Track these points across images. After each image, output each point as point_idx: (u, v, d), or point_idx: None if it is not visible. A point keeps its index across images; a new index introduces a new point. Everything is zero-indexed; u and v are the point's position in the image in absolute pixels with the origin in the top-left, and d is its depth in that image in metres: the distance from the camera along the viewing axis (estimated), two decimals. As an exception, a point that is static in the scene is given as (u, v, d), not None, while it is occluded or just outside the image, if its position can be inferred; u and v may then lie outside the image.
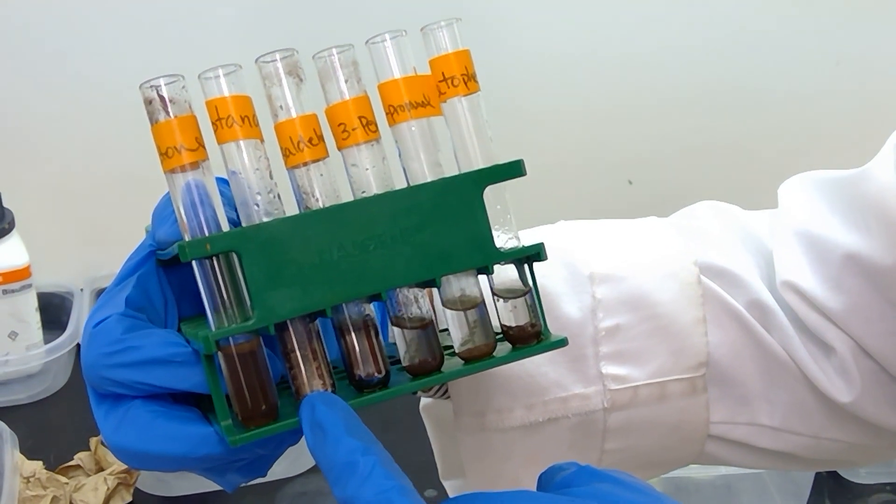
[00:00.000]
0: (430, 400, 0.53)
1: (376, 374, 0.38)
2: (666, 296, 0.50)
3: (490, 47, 1.12)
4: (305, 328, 0.37)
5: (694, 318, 0.50)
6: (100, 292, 1.28)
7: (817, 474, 0.95)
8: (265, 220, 0.37)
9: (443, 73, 0.39)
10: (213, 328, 0.36)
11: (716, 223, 0.54)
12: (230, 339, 0.36)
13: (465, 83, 0.39)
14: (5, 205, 1.15)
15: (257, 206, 0.37)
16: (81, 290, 1.25)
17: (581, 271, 0.50)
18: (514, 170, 0.39)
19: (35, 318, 1.15)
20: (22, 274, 1.13)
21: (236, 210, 0.38)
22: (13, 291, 1.13)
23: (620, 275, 0.50)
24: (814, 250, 0.50)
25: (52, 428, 1.09)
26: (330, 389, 0.37)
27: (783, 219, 0.52)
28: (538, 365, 0.48)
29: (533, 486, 0.36)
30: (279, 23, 1.26)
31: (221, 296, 0.37)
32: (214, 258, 0.36)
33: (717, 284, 0.51)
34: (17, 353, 1.13)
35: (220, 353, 0.36)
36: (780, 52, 1.28)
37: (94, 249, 1.32)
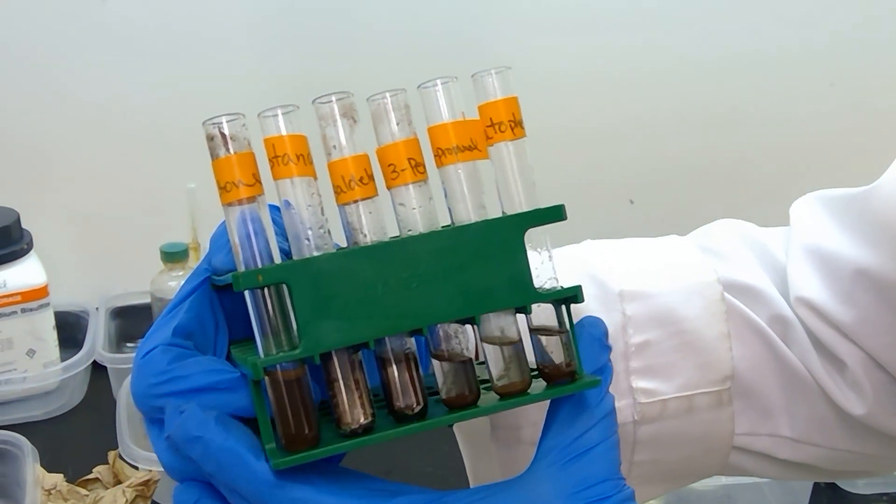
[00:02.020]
0: None
1: (415, 406, 0.39)
2: (692, 312, 0.52)
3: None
4: (349, 359, 0.38)
5: (719, 333, 0.52)
6: (115, 311, 1.30)
7: (815, 485, 0.96)
8: (315, 253, 0.38)
9: (491, 119, 0.40)
10: (261, 354, 0.38)
11: (734, 241, 0.56)
12: (277, 365, 0.38)
13: (512, 129, 0.40)
14: (24, 226, 1.17)
15: (308, 240, 0.38)
16: (97, 308, 1.27)
17: (611, 288, 0.52)
18: (555, 214, 0.40)
19: (52, 336, 1.17)
20: (40, 293, 1.15)
21: (287, 239, 0.39)
22: (31, 310, 1.15)
23: (649, 292, 0.52)
24: (825, 266, 0.52)
25: (70, 443, 1.10)
26: (370, 419, 0.38)
27: (795, 236, 0.54)
28: None
29: None
30: (293, 48, 1.27)
31: (270, 324, 0.38)
32: (265, 288, 0.38)
33: (740, 301, 0.53)
34: (35, 371, 1.15)
35: (266, 379, 0.38)
36: (776, 74, 1.29)
37: (109, 270, 1.34)
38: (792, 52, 1.28)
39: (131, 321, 1.31)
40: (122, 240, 1.33)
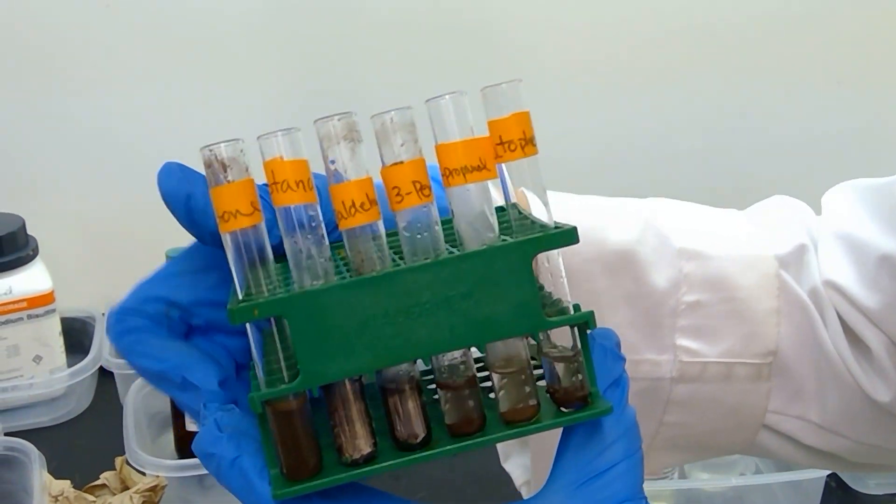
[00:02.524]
0: None
1: (418, 436, 0.38)
2: (745, 282, 0.52)
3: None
4: (350, 389, 0.38)
5: (769, 308, 0.53)
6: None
7: (826, 485, 0.96)
8: (315, 283, 0.37)
9: (500, 137, 0.39)
10: (262, 385, 0.38)
11: (789, 219, 0.57)
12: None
13: (522, 147, 0.38)
14: (29, 232, 1.18)
15: (309, 268, 0.37)
16: (103, 314, 1.27)
17: (672, 244, 0.52)
18: (566, 238, 0.38)
19: (58, 343, 1.18)
20: (46, 299, 1.15)
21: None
22: (37, 316, 1.15)
23: (708, 254, 0.52)
24: (853, 252, 0.53)
25: (77, 450, 1.11)
26: (371, 449, 0.38)
27: (826, 222, 0.55)
28: (618, 325, 0.49)
29: None
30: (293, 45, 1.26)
31: (270, 353, 0.38)
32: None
33: (793, 279, 0.53)
34: (42, 377, 1.16)
35: (268, 409, 0.37)
36: (782, 73, 1.29)
37: (114, 275, 1.33)
38: (797, 50, 1.28)
39: (137, 327, 1.31)
40: (128, 245, 1.34)
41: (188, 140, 1.47)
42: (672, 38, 1.26)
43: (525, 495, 0.60)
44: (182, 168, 0.41)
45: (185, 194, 0.41)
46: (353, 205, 0.37)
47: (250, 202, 0.37)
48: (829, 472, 0.94)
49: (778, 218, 0.57)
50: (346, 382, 0.38)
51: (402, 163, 0.37)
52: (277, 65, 1.28)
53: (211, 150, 0.37)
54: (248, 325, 0.38)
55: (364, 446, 0.38)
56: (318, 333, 0.36)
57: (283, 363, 0.38)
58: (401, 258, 0.39)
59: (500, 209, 0.42)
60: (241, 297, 0.37)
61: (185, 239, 1.28)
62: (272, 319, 0.37)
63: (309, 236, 0.37)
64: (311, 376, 0.36)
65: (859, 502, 1.01)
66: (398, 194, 0.37)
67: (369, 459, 0.38)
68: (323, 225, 0.38)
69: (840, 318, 0.53)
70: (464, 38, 1.21)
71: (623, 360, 0.42)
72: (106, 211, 1.33)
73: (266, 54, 1.27)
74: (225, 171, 0.36)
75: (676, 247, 0.52)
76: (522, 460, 0.58)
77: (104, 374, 1.20)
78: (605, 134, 1.28)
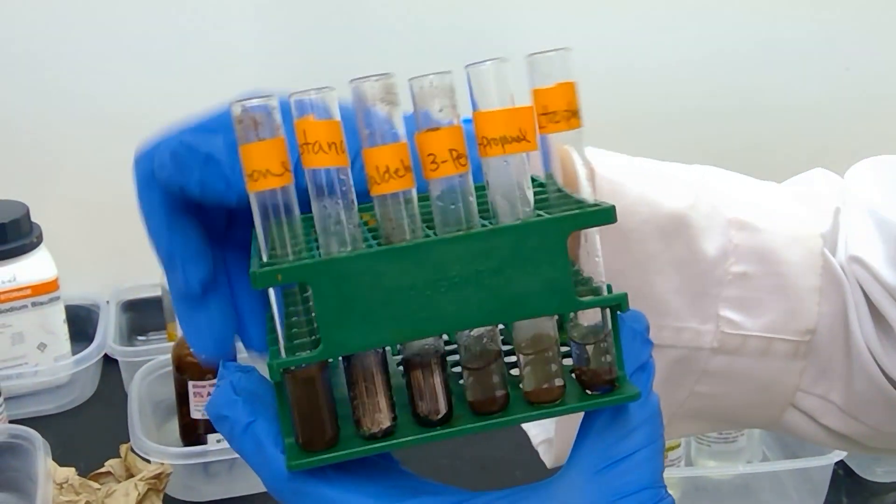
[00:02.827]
0: None
1: (439, 412, 0.37)
2: (791, 257, 0.52)
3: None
4: (371, 361, 0.37)
5: (812, 285, 0.52)
6: (125, 304, 1.30)
7: (834, 473, 0.96)
8: (342, 251, 0.36)
9: (545, 107, 0.37)
10: (282, 352, 0.36)
11: (829, 195, 0.56)
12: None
13: (567, 119, 0.37)
14: (33, 219, 1.17)
15: (337, 234, 0.36)
16: (107, 302, 1.27)
17: (722, 213, 0.52)
18: (603, 216, 0.37)
19: (63, 330, 1.17)
20: (50, 287, 1.15)
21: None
22: (42, 304, 1.15)
23: (757, 226, 0.52)
24: (879, 228, 0.53)
25: (81, 437, 1.11)
26: (390, 424, 0.37)
27: (852, 198, 0.55)
28: (666, 291, 0.49)
29: None
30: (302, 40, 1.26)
31: (291, 320, 0.37)
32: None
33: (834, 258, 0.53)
34: (46, 364, 1.15)
35: (286, 377, 0.36)
36: (790, 60, 1.29)
37: (119, 263, 1.34)
38: (806, 37, 1.28)
39: (142, 314, 1.31)
40: (132, 233, 1.32)
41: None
42: (680, 26, 1.26)
43: (543, 454, 0.59)
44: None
45: (204, 154, 0.40)
46: (388, 170, 0.35)
47: (281, 162, 0.35)
48: (837, 459, 0.94)
49: (819, 193, 0.57)
50: (369, 354, 0.37)
51: (439, 129, 0.36)
52: (284, 51, 1.27)
53: (243, 106, 0.35)
54: (270, 290, 0.36)
55: (384, 420, 0.37)
56: (343, 302, 0.35)
57: (305, 331, 0.37)
58: (430, 228, 0.38)
59: (538, 183, 0.40)
60: (265, 259, 0.36)
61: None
62: (294, 289, 0.37)
63: (339, 201, 0.36)
64: (333, 346, 0.35)
65: (867, 490, 1.01)
66: (433, 162, 0.36)
67: (387, 434, 0.37)
68: (353, 190, 0.36)
69: (865, 295, 0.53)
70: (471, 33, 1.21)
71: (651, 344, 0.41)
72: (110, 198, 1.32)
73: (273, 41, 1.27)
74: (256, 129, 0.35)
75: (727, 216, 0.52)
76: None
77: (109, 362, 1.19)
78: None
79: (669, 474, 0.96)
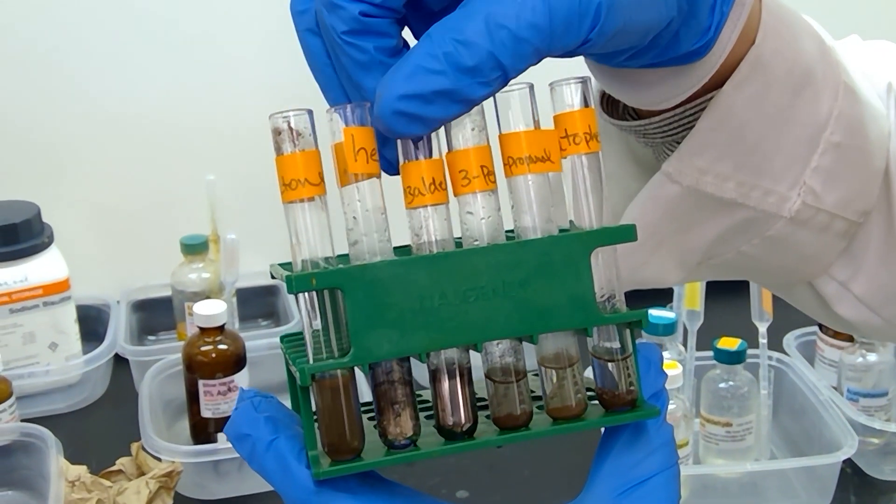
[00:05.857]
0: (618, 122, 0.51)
1: (463, 425, 0.38)
2: (872, 133, 0.49)
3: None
4: (398, 370, 0.38)
5: (879, 167, 0.50)
6: (136, 304, 1.31)
7: (842, 471, 0.97)
8: (373, 259, 0.37)
9: (566, 130, 0.39)
10: (310, 358, 0.37)
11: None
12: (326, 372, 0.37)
13: (587, 142, 0.38)
14: (45, 220, 1.18)
15: (366, 243, 0.37)
16: (118, 301, 1.28)
17: (838, 75, 0.48)
18: (624, 234, 0.38)
19: (74, 330, 1.18)
20: (61, 286, 1.16)
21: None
22: (53, 303, 1.15)
23: (861, 96, 0.49)
24: None
25: (93, 436, 1.12)
26: (415, 433, 0.38)
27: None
28: (776, 149, 0.47)
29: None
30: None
31: (322, 327, 0.38)
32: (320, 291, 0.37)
33: None
34: (57, 364, 1.16)
35: (314, 384, 0.37)
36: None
37: (129, 263, 1.34)
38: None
39: (152, 314, 1.32)
40: (142, 233, 1.34)
41: (203, 127, 1.47)
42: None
43: None
44: None
45: None
46: (425, 184, 0.37)
47: (317, 172, 0.37)
48: (845, 457, 0.94)
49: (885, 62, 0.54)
50: (395, 362, 0.37)
51: (470, 147, 0.37)
52: (293, 55, 1.28)
53: (283, 118, 0.36)
54: (299, 296, 0.37)
55: (409, 430, 0.38)
56: (374, 309, 0.36)
57: (333, 338, 0.37)
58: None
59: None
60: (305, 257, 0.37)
61: (198, 227, 1.29)
62: (325, 296, 0.37)
63: (370, 211, 0.37)
64: (363, 352, 0.36)
65: (875, 488, 1.01)
66: (465, 177, 0.37)
67: (412, 444, 0.38)
68: (384, 203, 0.37)
69: None
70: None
71: (665, 376, 0.42)
72: (121, 199, 1.34)
73: (281, 42, 1.27)
74: (294, 140, 0.36)
75: (842, 80, 0.48)
76: None
77: (119, 361, 1.20)
78: None
79: (677, 472, 0.96)
